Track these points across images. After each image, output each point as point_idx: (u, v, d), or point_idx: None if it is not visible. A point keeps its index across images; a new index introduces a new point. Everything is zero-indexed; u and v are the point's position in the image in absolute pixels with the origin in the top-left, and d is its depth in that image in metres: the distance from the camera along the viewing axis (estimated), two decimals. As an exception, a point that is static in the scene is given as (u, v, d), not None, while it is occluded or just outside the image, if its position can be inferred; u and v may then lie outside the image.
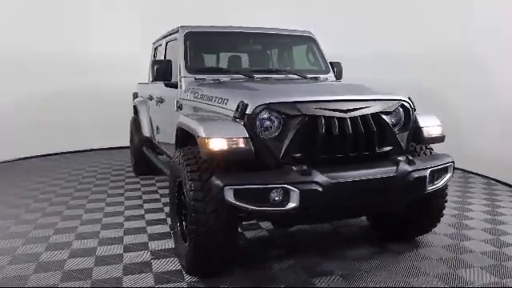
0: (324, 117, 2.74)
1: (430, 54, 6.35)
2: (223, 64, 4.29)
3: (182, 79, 3.88)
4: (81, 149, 8.38)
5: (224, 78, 3.84)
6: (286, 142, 2.71)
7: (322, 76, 4.29)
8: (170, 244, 3.61)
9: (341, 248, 3.53)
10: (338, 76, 4.54)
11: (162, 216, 4.40)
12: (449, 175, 3.10)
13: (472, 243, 3.61)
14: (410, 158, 2.90)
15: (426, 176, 2.87)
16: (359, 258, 3.32)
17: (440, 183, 3.02)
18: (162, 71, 3.89)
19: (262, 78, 3.85)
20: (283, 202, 2.53)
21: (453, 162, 3.11)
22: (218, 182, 2.49)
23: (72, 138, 8.19)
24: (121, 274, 3.07)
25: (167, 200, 4.95)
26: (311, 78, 4.07)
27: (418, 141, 3.20)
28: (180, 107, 3.86)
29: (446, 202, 3.44)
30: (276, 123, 2.75)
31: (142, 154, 5.94)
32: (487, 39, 5.55)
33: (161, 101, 4.69)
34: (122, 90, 8.03)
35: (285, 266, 3.19)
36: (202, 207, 2.64)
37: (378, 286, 2.88)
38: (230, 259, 2.91)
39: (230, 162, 2.68)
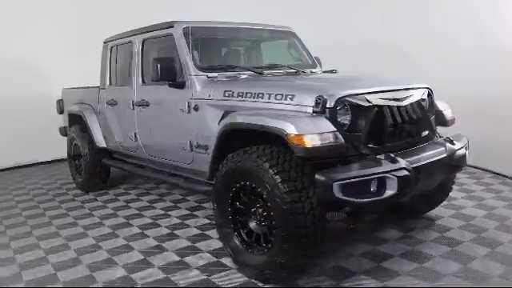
0: (388, 106, 2.87)
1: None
2: (220, 60, 4.07)
3: (194, 78, 3.57)
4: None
5: (242, 75, 3.65)
6: (364, 133, 2.76)
7: (316, 70, 4.40)
8: (207, 258, 3.32)
9: (373, 232, 3.68)
10: (320, 69, 4.69)
11: (164, 231, 3.98)
12: (468, 151, 3.50)
13: (469, 210, 4.13)
14: (451, 138, 3.21)
15: (465, 153, 3.21)
16: (398, 238, 3.53)
17: (467, 158, 3.40)
18: (168, 70, 3.52)
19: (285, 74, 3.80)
20: (380, 191, 2.58)
21: (468, 140, 3.52)
22: (326, 179, 2.42)
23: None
24: (190, 297, 2.74)
25: (151, 213, 4.53)
26: (325, 72, 4.17)
27: (440, 124, 3.53)
28: (195, 108, 3.54)
29: (455, 177, 3.87)
30: (349, 115, 2.78)
31: (100, 168, 5.27)
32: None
33: (144, 104, 4.21)
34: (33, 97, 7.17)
35: (344, 255, 3.22)
36: (299, 208, 2.51)
37: (436, 258, 3.12)
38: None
39: (319, 158, 2.61)
